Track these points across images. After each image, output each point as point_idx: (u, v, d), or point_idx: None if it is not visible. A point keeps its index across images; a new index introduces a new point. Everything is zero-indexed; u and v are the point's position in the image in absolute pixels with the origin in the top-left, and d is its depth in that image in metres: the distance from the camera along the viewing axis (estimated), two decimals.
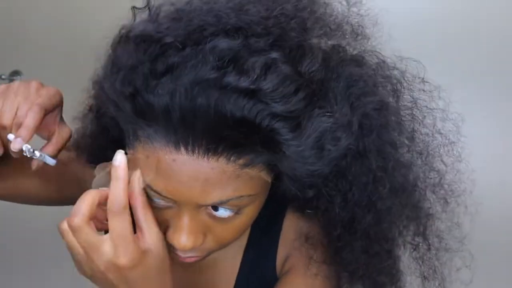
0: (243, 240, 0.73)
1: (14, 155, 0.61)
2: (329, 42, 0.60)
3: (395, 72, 0.61)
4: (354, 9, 0.60)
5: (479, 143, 0.86)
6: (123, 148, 0.56)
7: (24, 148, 0.59)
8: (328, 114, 0.53)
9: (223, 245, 0.61)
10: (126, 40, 0.55)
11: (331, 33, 0.59)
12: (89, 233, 0.53)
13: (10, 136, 0.59)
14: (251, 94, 0.49)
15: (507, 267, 1.36)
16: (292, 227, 0.72)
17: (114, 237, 0.53)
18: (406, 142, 0.61)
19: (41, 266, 1.72)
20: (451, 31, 1.35)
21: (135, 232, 0.55)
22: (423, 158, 0.63)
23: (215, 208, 0.55)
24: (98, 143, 0.68)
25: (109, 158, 0.56)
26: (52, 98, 0.63)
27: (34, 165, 0.62)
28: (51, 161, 0.63)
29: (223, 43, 0.50)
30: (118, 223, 0.53)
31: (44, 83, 0.63)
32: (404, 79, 0.61)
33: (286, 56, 0.52)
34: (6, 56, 1.69)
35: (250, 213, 0.58)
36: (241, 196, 0.54)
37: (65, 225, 0.54)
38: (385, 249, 0.63)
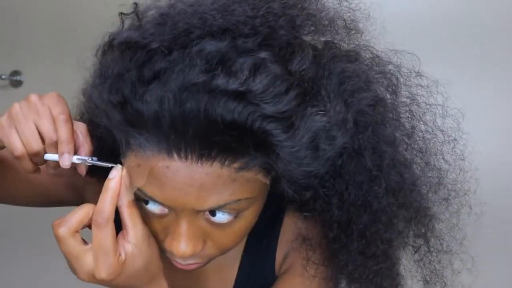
0: (242, 242, 0.73)
1: (52, 171, 0.61)
2: (322, 39, 0.59)
3: (390, 67, 0.60)
4: (346, 3, 0.60)
5: (481, 140, 0.84)
6: (117, 157, 0.56)
7: (75, 161, 0.58)
8: (322, 112, 0.52)
9: (224, 251, 0.60)
10: (110, 48, 0.55)
11: (324, 29, 0.59)
12: (71, 245, 0.54)
13: (50, 156, 0.58)
14: (241, 96, 0.48)
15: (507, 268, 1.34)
16: (290, 229, 0.71)
17: (96, 249, 0.54)
18: (405, 139, 0.60)
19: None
20: (446, 23, 1.35)
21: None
22: (423, 157, 0.61)
23: (213, 213, 0.55)
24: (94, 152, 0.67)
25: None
26: (59, 103, 0.60)
27: (83, 170, 0.60)
28: (94, 160, 0.62)
29: (210, 46, 0.49)
30: (101, 235, 0.54)
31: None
32: (400, 74, 0.60)
33: (276, 55, 0.51)
34: (6, 56, 1.69)
35: (249, 216, 0.57)
36: (239, 200, 0.53)
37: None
38: (382, 250, 0.61)
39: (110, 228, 0.54)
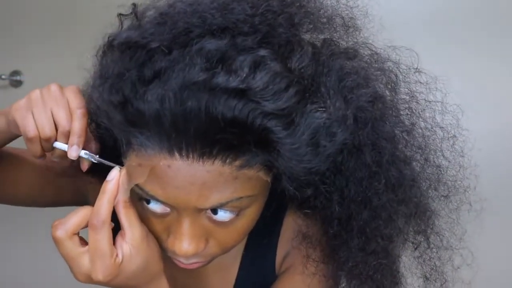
0: (243, 241, 0.73)
1: (55, 160, 0.61)
2: (320, 36, 0.59)
3: (389, 63, 0.60)
4: (343, 1, 0.60)
5: (481, 136, 0.84)
6: (119, 157, 0.57)
7: (83, 155, 0.59)
8: (321, 109, 0.52)
9: (226, 249, 0.60)
10: (110, 48, 0.55)
11: (322, 27, 0.59)
12: (69, 247, 0.54)
13: (59, 145, 0.59)
14: (241, 93, 0.48)
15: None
16: (291, 227, 0.71)
17: (92, 251, 0.54)
18: (404, 136, 0.60)
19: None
20: (444, 19, 1.35)
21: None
22: (422, 153, 0.61)
23: (215, 211, 0.55)
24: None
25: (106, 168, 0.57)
26: (78, 97, 0.61)
27: (86, 166, 0.61)
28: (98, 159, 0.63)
29: (210, 44, 0.50)
30: (97, 237, 0.54)
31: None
32: (400, 71, 0.60)
33: (275, 53, 0.51)
34: (6, 56, 1.69)
35: (251, 214, 0.58)
36: (240, 198, 0.54)
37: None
38: (382, 246, 0.62)
39: (107, 230, 0.54)
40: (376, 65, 0.60)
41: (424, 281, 0.66)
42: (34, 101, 0.58)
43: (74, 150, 0.58)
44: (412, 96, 0.61)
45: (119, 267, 0.55)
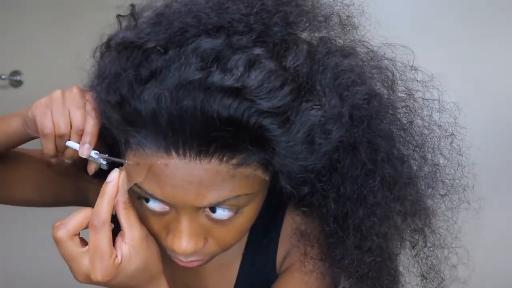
0: (243, 240, 0.73)
1: (67, 161, 0.62)
2: (317, 35, 0.59)
3: (386, 61, 0.60)
4: None
5: (478, 134, 0.84)
6: (118, 156, 0.57)
7: (93, 155, 0.59)
8: (317, 107, 0.52)
9: (226, 248, 0.61)
10: (108, 48, 0.56)
11: (319, 25, 0.59)
12: (69, 247, 0.55)
13: (71, 144, 0.60)
14: (236, 92, 0.48)
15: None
16: (291, 226, 0.71)
17: (92, 251, 0.55)
18: (401, 134, 0.60)
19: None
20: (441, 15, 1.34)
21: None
22: (420, 151, 0.61)
23: (213, 209, 0.55)
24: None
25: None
26: None
27: (93, 169, 0.62)
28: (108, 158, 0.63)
29: (205, 43, 0.50)
30: (97, 238, 0.54)
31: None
32: (396, 69, 0.60)
33: (270, 51, 0.52)
34: (6, 56, 1.69)
35: (250, 212, 0.58)
36: (238, 196, 0.54)
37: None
38: (377, 244, 0.61)
39: (107, 231, 0.55)
40: (373, 63, 0.60)
41: (422, 280, 0.66)
42: (55, 100, 0.59)
43: (85, 149, 0.58)
44: (409, 94, 0.61)
45: (118, 267, 0.55)
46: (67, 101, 0.59)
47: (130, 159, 0.54)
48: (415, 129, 0.61)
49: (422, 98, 0.61)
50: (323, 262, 0.66)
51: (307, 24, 0.58)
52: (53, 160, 0.61)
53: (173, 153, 0.50)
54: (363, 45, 0.60)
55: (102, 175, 0.59)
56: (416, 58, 0.60)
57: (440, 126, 0.62)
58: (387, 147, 0.58)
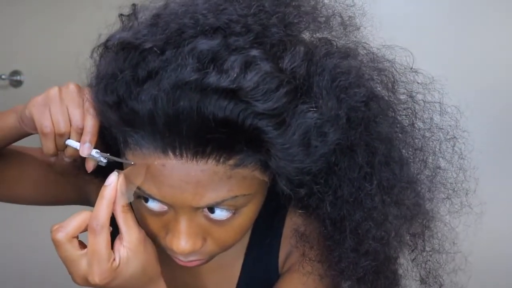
0: (245, 240, 0.73)
1: (67, 159, 0.62)
2: (318, 35, 0.59)
3: (386, 63, 0.60)
4: (341, 0, 0.60)
5: (480, 138, 0.83)
6: (117, 156, 0.57)
7: (94, 154, 0.59)
8: (313, 109, 0.52)
9: (225, 248, 0.61)
10: (106, 49, 0.56)
11: (320, 26, 0.59)
12: (68, 250, 0.55)
13: (71, 142, 0.59)
14: (232, 93, 0.48)
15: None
16: (291, 226, 0.71)
17: (90, 254, 0.54)
18: (401, 137, 0.60)
19: None
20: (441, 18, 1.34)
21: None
22: (420, 155, 0.61)
23: (211, 210, 0.55)
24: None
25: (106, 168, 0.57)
26: None
27: (91, 166, 0.61)
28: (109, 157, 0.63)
29: (202, 44, 0.50)
30: (95, 241, 0.54)
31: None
32: (397, 71, 0.60)
33: (267, 53, 0.52)
34: (6, 56, 1.70)
35: (249, 213, 0.58)
36: (236, 196, 0.54)
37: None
38: (374, 248, 0.61)
39: (105, 234, 0.55)
40: (372, 65, 0.59)
41: (421, 284, 0.65)
42: (52, 97, 0.59)
43: (86, 148, 0.58)
44: (410, 97, 0.60)
45: (116, 270, 0.55)
46: (64, 98, 0.59)
47: (128, 158, 0.54)
48: (415, 131, 0.61)
49: (423, 101, 0.60)
50: (322, 263, 0.66)
51: (307, 25, 0.58)
52: (53, 159, 0.61)
53: (170, 154, 0.51)
54: (362, 46, 0.60)
55: (102, 173, 0.59)
56: (417, 60, 0.60)
57: (442, 129, 0.61)
58: (385, 150, 0.57)
